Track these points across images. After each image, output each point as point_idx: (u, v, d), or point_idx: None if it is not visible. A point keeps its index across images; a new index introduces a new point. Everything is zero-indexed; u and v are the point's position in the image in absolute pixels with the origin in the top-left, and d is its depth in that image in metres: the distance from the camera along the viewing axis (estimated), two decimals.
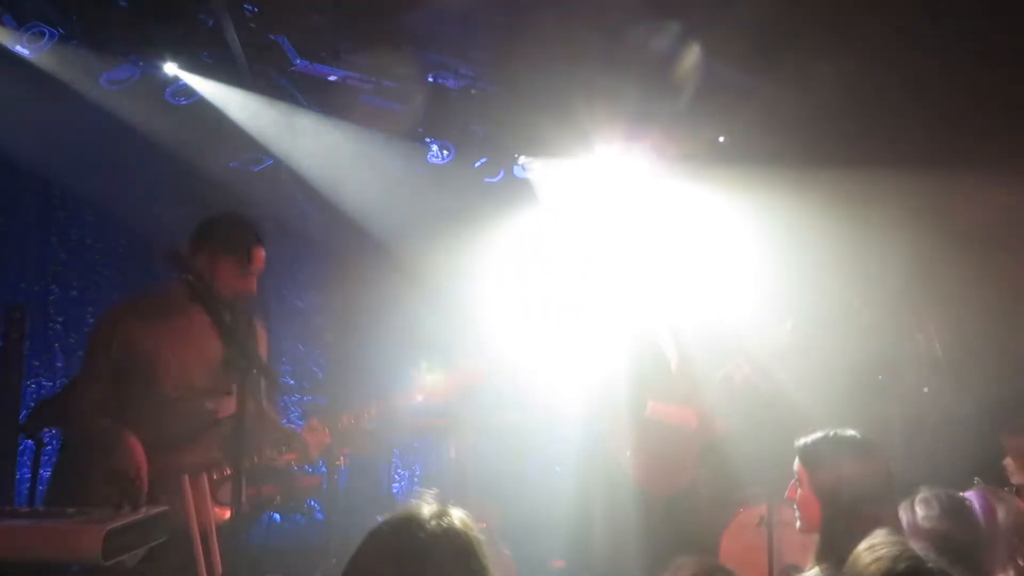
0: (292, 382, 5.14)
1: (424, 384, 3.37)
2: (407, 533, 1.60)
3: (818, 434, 2.63)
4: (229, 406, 3.17)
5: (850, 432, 2.61)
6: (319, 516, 4.90)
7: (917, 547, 1.75)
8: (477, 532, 1.65)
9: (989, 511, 2.72)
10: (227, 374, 3.11)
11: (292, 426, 3.52)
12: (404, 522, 1.61)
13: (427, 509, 1.63)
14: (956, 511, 2.57)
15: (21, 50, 3.77)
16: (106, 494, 2.52)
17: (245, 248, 3.17)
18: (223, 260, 3.15)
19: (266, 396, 3.41)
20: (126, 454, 2.95)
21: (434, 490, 1.69)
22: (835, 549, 2.46)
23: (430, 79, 4.75)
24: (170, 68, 3.98)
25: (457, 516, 1.65)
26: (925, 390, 4.88)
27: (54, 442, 3.65)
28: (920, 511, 2.58)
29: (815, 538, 2.59)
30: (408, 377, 3.51)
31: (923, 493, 2.64)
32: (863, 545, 1.86)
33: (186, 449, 3.08)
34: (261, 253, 3.21)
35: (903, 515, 2.56)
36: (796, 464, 2.63)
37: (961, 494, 2.71)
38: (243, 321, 3.28)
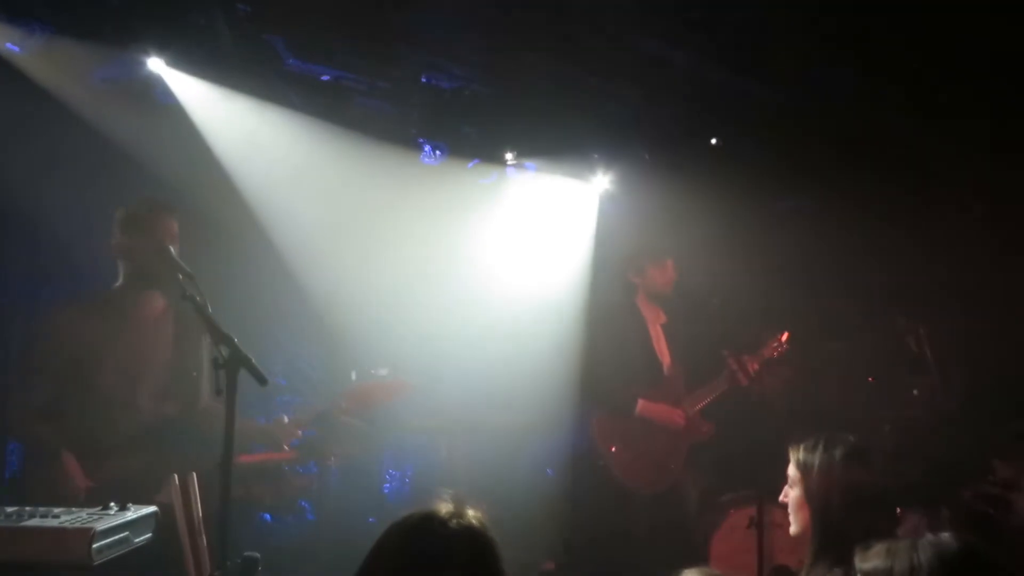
0: (284, 382, 5.11)
1: (351, 394, 3.34)
2: (427, 532, 1.60)
3: (813, 438, 2.62)
4: (173, 406, 3.19)
5: (845, 436, 2.60)
6: (310, 517, 4.89)
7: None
8: (493, 532, 1.65)
9: None
10: (175, 374, 3.16)
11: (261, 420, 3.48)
12: (423, 521, 1.62)
13: (445, 508, 1.62)
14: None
15: (12, 47, 3.75)
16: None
17: (147, 218, 3.20)
18: (133, 237, 3.19)
19: (213, 394, 3.42)
20: (62, 471, 2.96)
21: (451, 490, 1.69)
22: (826, 554, 2.45)
23: (424, 80, 4.75)
24: (155, 64, 3.97)
25: (475, 516, 1.65)
26: (915, 392, 4.90)
27: None
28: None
29: (806, 541, 2.59)
30: (342, 385, 3.46)
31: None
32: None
33: (130, 452, 3.07)
34: (164, 219, 3.22)
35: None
36: (791, 467, 2.63)
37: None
38: (191, 319, 3.31)
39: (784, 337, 4.77)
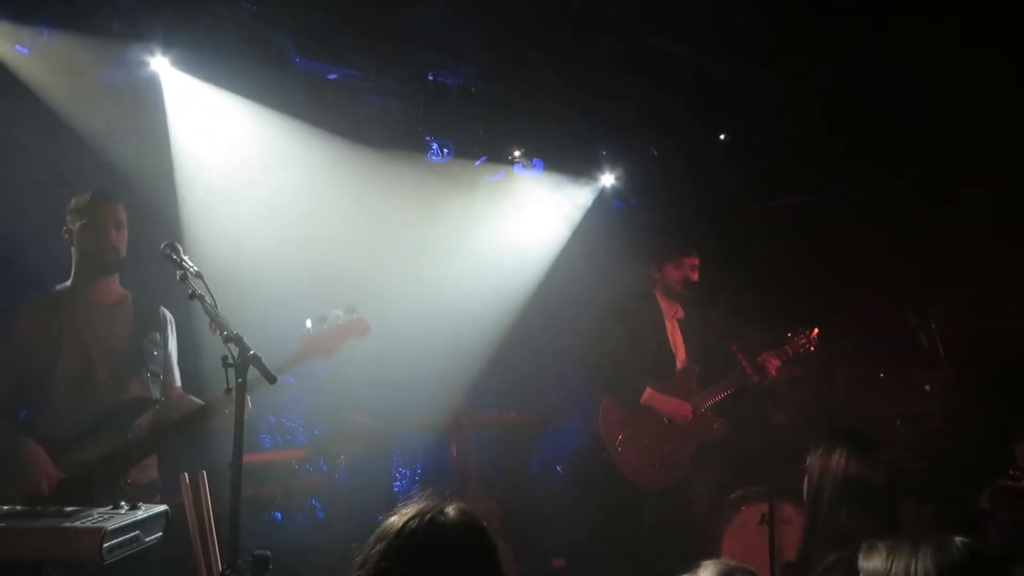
0: (292, 381, 5.11)
1: (307, 341, 3.30)
2: (420, 524, 1.62)
3: (832, 428, 2.60)
4: (138, 388, 3.21)
5: (855, 430, 2.57)
6: (320, 515, 4.89)
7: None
8: (487, 524, 1.66)
9: None
10: (137, 358, 3.21)
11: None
12: (414, 516, 1.64)
13: (432, 503, 1.64)
14: None
15: (21, 49, 3.76)
16: (16, 497, 2.52)
17: (90, 204, 3.23)
18: (78, 224, 3.22)
19: (179, 381, 3.45)
20: (31, 463, 2.98)
21: (429, 489, 1.69)
22: (817, 546, 2.42)
23: (430, 77, 4.75)
24: (158, 63, 3.98)
25: (460, 507, 1.67)
26: (927, 388, 4.88)
27: None
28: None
29: None
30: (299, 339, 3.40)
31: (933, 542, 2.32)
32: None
33: (95, 438, 3.09)
34: (109, 206, 3.26)
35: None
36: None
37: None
38: (148, 308, 3.36)
39: (814, 333, 4.69)
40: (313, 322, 3.31)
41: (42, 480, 2.98)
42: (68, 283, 3.29)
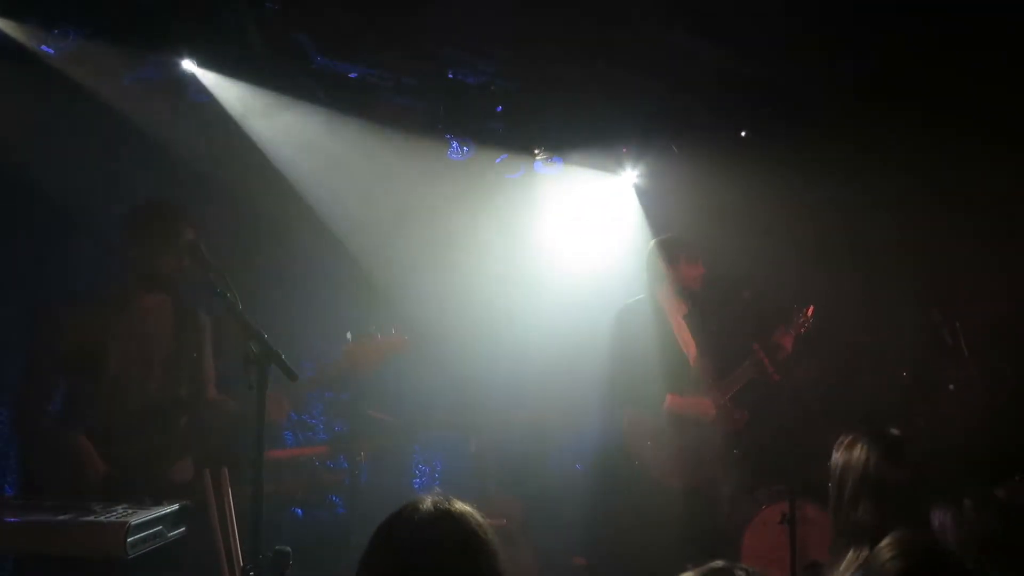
0: (313, 375, 5.14)
1: (348, 354, 3.32)
2: (401, 522, 1.63)
3: (856, 425, 2.61)
4: (179, 388, 3.25)
5: (882, 428, 2.56)
6: (340, 511, 4.92)
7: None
8: (480, 519, 1.65)
9: None
10: (177, 358, 3.26)
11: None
12: (400, 512, 1.65)
13: (427, 499, 1.65)
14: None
15: (47, 49, 3.81)
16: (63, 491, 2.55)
17: (162, 225, 3.24)
18: (145, 243, 3.23)
19: (214, 383, 3.48)
20: (80, 456, 3.03)
21: (436, 488, 1.70)
22: (842, 540, 2.44)
23: (450, 75, 4.76)
24: (188, 65, 4.02)
25: (457, 504, 1.66)
26: (951, 387, 4.82)
27: None
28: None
29: None
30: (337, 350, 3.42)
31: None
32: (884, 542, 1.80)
33: (138, 435, 3.14)
34: (185, 227, 3.26)
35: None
36: None
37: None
38: (187, 311, 3.39)
39: (809, 311, 4.72)
40: (353, 335, 3.34)
41: (89, 474, 3.02)
42: (119, 286, 3.30)
